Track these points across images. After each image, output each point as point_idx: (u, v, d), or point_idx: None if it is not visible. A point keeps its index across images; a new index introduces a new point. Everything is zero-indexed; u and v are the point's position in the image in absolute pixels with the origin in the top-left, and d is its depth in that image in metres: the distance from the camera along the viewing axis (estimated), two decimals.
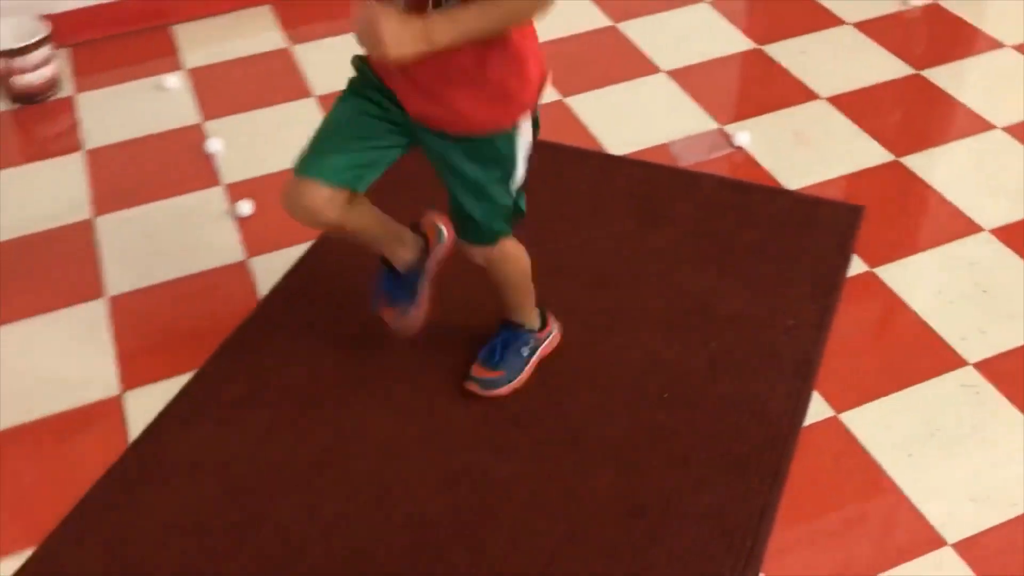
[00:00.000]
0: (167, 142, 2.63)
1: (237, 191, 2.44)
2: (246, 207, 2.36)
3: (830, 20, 3.02)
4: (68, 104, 2.78)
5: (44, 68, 2.75)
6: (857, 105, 2.66)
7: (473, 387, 1.90)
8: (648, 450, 1.81)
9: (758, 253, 2.20)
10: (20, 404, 1.94)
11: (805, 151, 2.52)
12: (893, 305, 2.10)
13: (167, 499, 1.76)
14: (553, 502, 1.73)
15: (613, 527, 1.69)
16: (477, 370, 1.91)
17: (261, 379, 1.97)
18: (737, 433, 1.83)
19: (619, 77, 2.80)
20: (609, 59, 2.89)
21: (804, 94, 2.71)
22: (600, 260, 2.21)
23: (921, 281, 2.15)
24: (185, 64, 2.93)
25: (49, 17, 2.80)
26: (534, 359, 1.93)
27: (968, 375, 1.93)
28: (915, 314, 2.07)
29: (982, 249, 2.22)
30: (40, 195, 2.46)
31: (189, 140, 2.62)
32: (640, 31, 2.99)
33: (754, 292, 2.11)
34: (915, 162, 2.47)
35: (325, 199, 1.60)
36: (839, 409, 1.88)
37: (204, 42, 3.02)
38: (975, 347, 1.99)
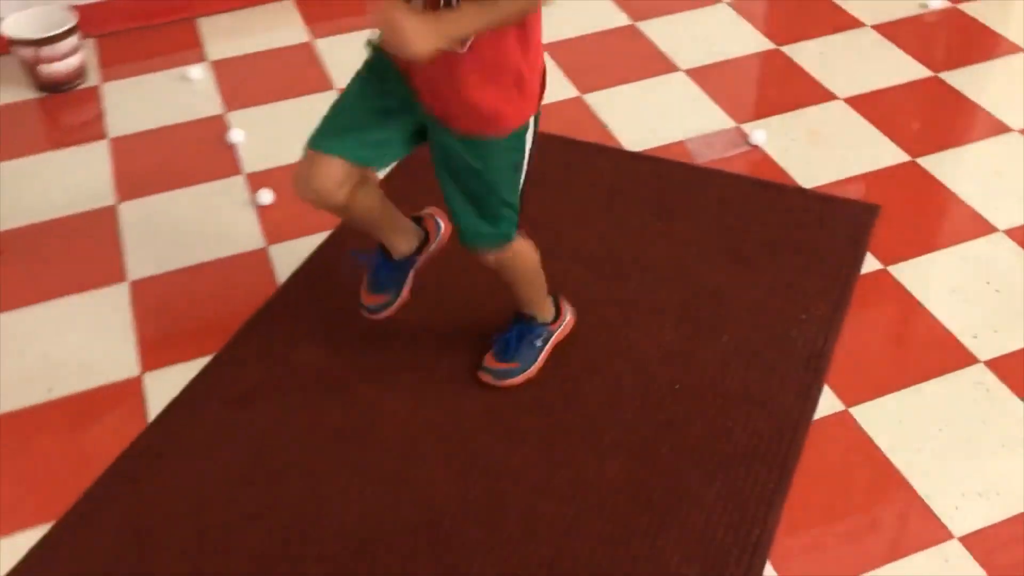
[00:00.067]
0: (190, 132, 2.67)
1: (258, 180, 2.47)
2: (266, 196, 2.40)
3: (849, 22, 3.03)
4: (94, 93, 2.83)
5: (71, 58, 2.79)
6: (874, 106, 2.67)
7: (487, 377, 1.93)
8: (659, 440, 1.83)
9: (772, 249, 2.22)
10: (42, 383, 1.98)
11: (821, 150, 2.53)
12: (906, 302, 2.11)
13: (184, 478, 1.79)
14: (563, 489, 1.75)
15: (622, 514, 1.71)
16: (490, 361, 1.93)
17: (277, 364, 2.00)
18: (747, 425, 1.85)
19: (638, 75, 2.82)
20: (628, 57, 2.91)
21: (822, 94, 2.73)
22: (616, 253, 2.23)
23: (934, 280, 2.16)
24: (209, 56, 2.97)
25: (77, 8, 2.85)
26: (547, 348, 1.96)
27: (979, 372, 1.94)
28: (928, 312, 2.08)
29: (996, 249, 2.22)
30: (65, 181, 2.51)
31: (211, 130, 2.66)
32: (659, 30, 3.01)
33: (767, 287, 2.12)
34: (931, 163, 2.47)
35: (338, 178, 1.63)
36: (849, 403, 1.89)
37: (228, 35, 3.06)
38: (987, 345, 2.00)
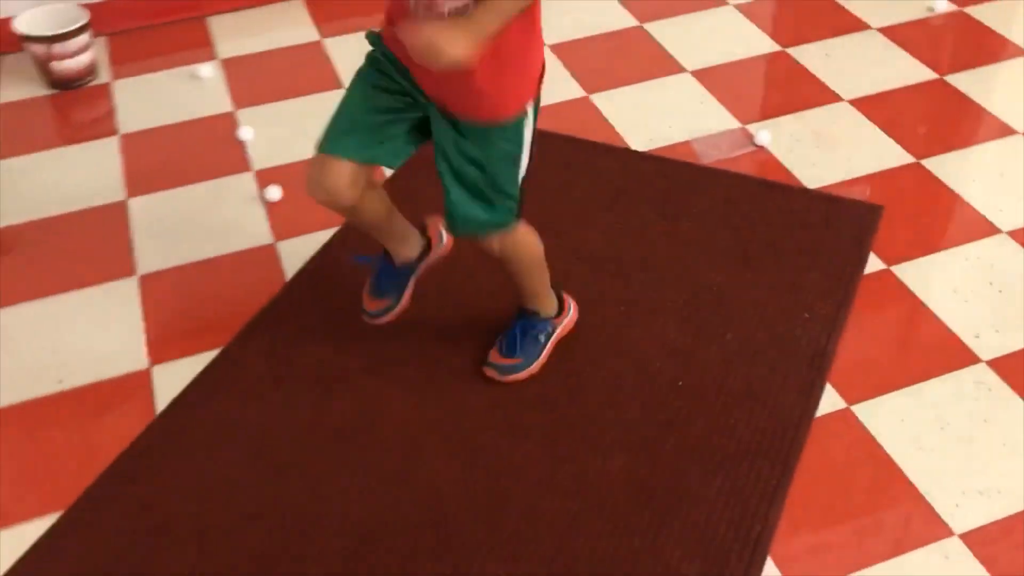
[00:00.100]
0: (200, 129, 2.69)
1: (266, 177, 2.49)
2: (275, 192, 2.42)
3: (855, 24, 3.05)
4: (104, 90, 2.85)
5: (82, 55, 2.82)
6: (879, 108, 2.68)
7: (492, 373, 1.94)
8: (661, 436, 1.84)
9: (776, 248, 2.23)
10: (52, 375, 2.00)
11: (826, 151, 2.54)
12: (909, 302, 2.12)
13: (191, 468, 1.81)
14: (566, 485, 1.77)
15: (624, 510, 1.72)
16: (495, 356, 1.95)
17: (284, 358, 2.01)
18: (750, 422, 1.86)
19: (644, 76, 2.84)
20: (635, 58, 2.92)
21: (827, 96, 2.74)
22: (620, 252, 2.24)
23: (937, 280, 2.17)
24: (219, 55, 2.99)
25: (88, 6, 2.87)
26: (551, 343, 1.97)
27: (981, 372, 1.95)
28: (930, 311, 2.09)
29: (999, 250, 2.23)
30: (76, 177, 2.53)
31: (221, 127, 2.69)
32: (666, 32, 3.03)
33: (770, 286, 2.14)
34: (935, 164, 2.49)
35: (348, 179, 1.66)
36: (852, 401, 1.90)
37: (238, 34, 3.09)
38: (989, 345, 2.01)
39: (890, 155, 2.52)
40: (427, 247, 2.02)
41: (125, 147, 2.63)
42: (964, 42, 2.98)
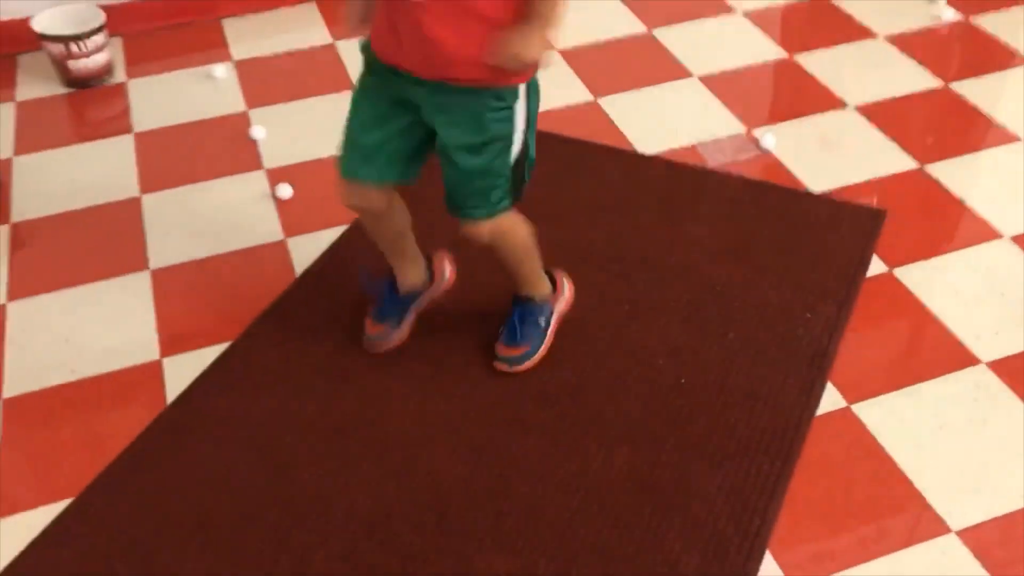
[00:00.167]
0: (213, 128, 2.73)
1: (278, 176, 2.53)
2: (286, 190, 2.45)
3: (862, 33, 3.07)
4: (120, 90, 2.90)
5: (99, 54, 2.87)
6: (884, 114, 2.71)
7: (503, 366, 1.97)
8: (664, 432, 1.87)
9: (779, 250, 2.26)
10: (65, 365, 2.04)
11: (831, 156, 2.57)
12: (910, 304, 2.14)
13: (199, 458, 1.84)
14: (569, 477, 1.79)
15: (626, 504, 1.74)
16: (502, 349, 1.98)
17: (293, 352, 2.05)
18: (751, 420, 1.88)
19: (651, 80, 2.87)
20: (643, 63, 2.96)
21: (832, 102, 2.77)
22: (625, 251, 2.27)
23: (939, 283, 2.19)
24: (233, 56, 3.04)
25: (105, 7, 2.92)
26: (553, 324, 2.01)
27: (981, 373, 1.97)
28: (931, 314, 2.11)
29: (1001, 255, 2.25)
30: (91, 173, 2.58)
31: (234, 127, 2.73)
32: (674, 38, 3.06)
33: (773, 286, 2.16)
34: (939, 170, 2.51)
35: (376, 196, 1.81)
36: (852, 400, 1.92)
37: (252, 36, 3.13)
38: (989, 347, 2.03)
39: (894, 161, 2.54)
40: (430, 279, 2.06)
41: (139, 145, 2.67)
42: (970, 51, 3.01)
